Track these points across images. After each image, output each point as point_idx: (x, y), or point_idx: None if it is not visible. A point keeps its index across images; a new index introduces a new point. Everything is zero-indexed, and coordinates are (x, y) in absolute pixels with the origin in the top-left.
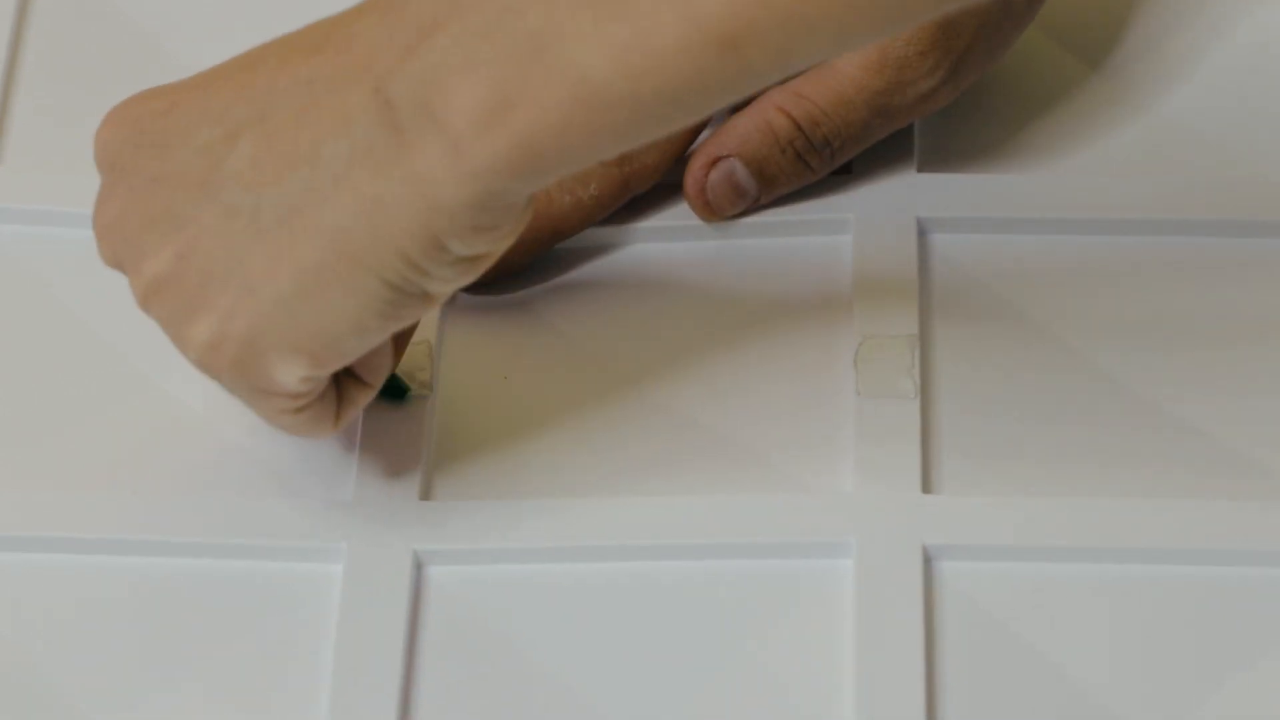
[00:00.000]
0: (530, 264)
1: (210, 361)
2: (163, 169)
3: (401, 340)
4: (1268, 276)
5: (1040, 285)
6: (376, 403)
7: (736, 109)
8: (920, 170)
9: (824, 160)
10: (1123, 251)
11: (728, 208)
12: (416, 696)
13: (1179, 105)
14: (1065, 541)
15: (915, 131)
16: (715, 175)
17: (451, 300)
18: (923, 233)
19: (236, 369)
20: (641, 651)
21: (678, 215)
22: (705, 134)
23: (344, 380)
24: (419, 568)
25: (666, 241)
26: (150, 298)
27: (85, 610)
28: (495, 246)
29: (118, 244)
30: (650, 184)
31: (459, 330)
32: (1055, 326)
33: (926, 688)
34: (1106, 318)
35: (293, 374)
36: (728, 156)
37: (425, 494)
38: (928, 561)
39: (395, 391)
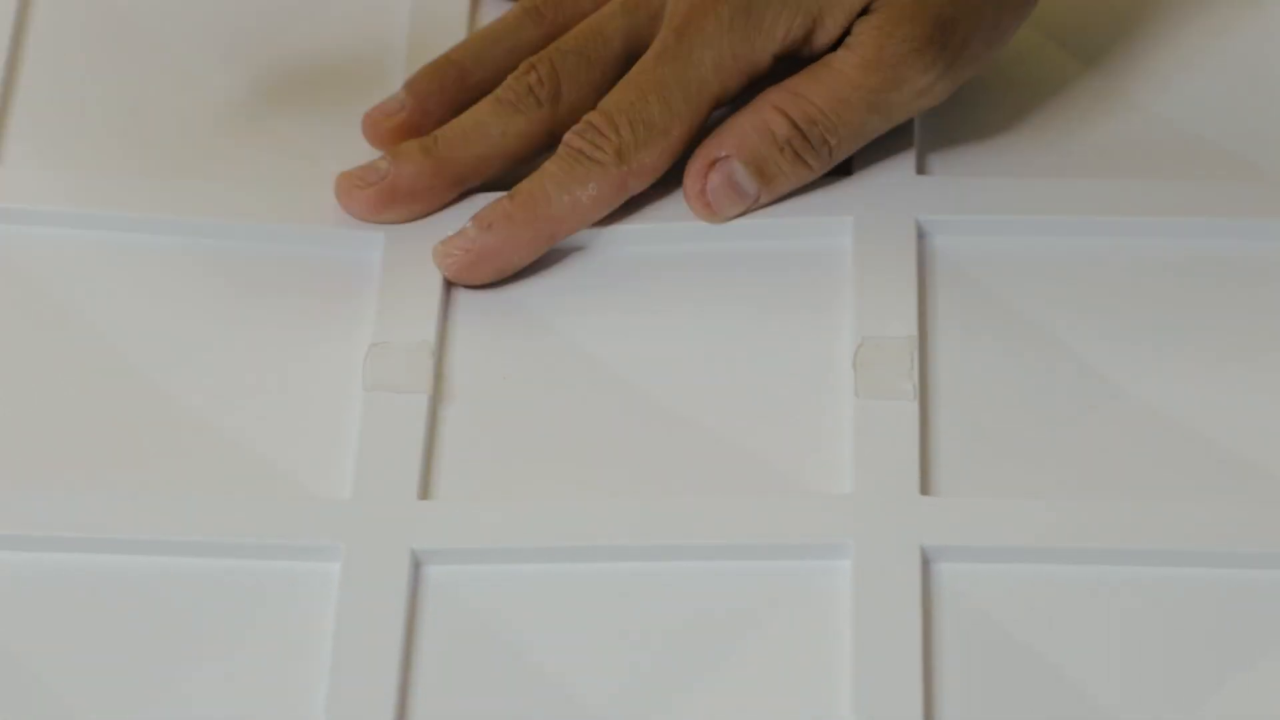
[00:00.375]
0: (529, 263)
1: None
2: None
3: None
4: (1269, 278)
5: (1040, 287)
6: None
7: (734, 109)
8: (920, 172)
9: (823, 159)
10: (1123, 253)
11: (729, 208)
12: (414, 695)
13: (1180, 107)
14: (1064, 543)
15: (915, 133)
16: (715, 176)
17: (451, 300)
18: (922, 234)
19: None
20: (640, 652)
21: (678, 215)
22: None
23: None
24: (417, 567)
25: (666, 243)
26: None
27: (83, 609)
28: None
29: None
30: (648, 183)
31: (459, 330)
32: (1054, 328)
33: (924, 689)
34: (1106, 320)
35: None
36: (727, 157)
37: (423, 493)
38: (926, 563)
39: None
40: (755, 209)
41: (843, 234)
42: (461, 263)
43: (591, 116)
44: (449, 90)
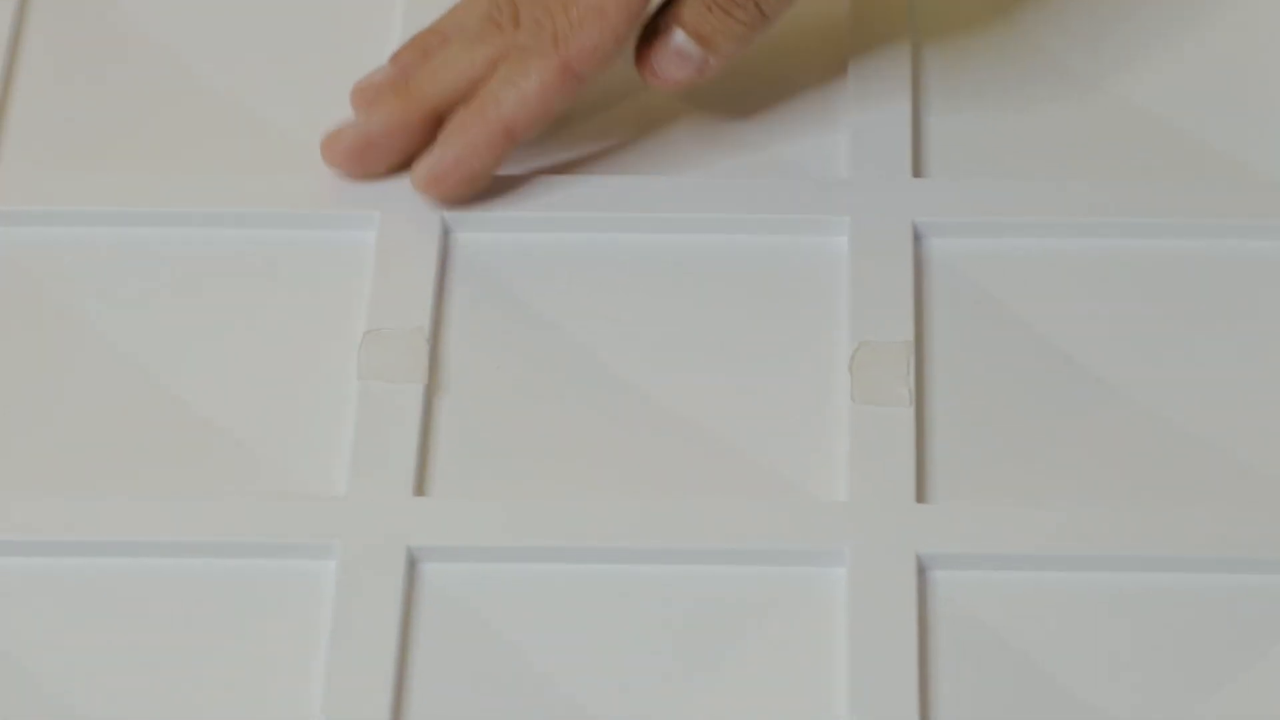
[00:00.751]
0: (492, 171)
1: None
2: None
3: None
4: (1267, 279)
5: (1037, 290)
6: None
7: None
8: (916, 175)
9: (750, 14)
10: (1120, 256)
11: (676, 73)
12: (410, 693)
13: (1178, 108)
14: (1060, 550)
15: (911, 135)
16: (658, 45)
17: (445, 288)
18: (919, 237)
19: None
20: (634, 654)
21: (676, 208)
22: None
23: None
24: (412, 565)
25: (664, 233)
26: None
27: (79, 611)
28: None
29: None
30: (596, 68)
31: (456, 325)
32: (1051, 332)
33: (920, 697)
34: (1103, 323)
35: None
36: (667, 26)
37: (419, 489)
38: (921, 570)
39: None
40: (710, 75)
41: (839, 236)
42: (428, 177)
43: (533, 10)
44: (432, 56)
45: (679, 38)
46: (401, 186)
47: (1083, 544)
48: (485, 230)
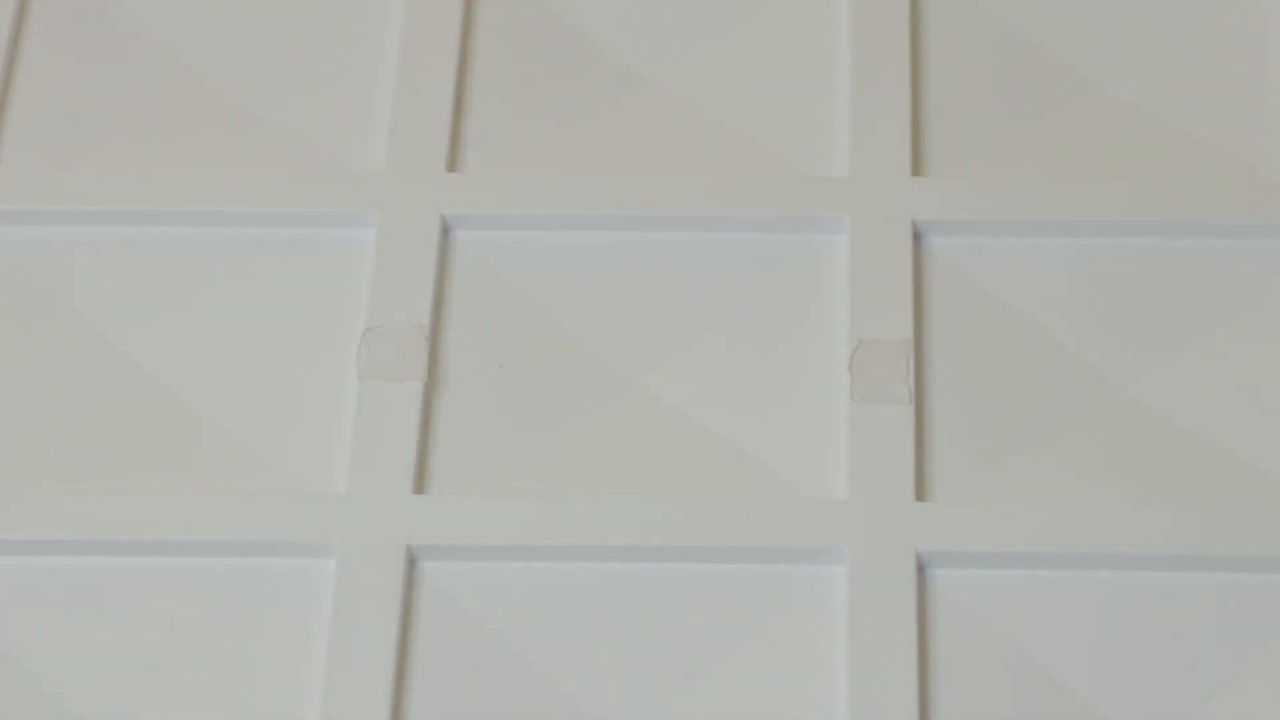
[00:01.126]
0: None
1: None
2: None
3: None
4: (1267, 279)
5: (1037, 289)
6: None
7: None
8: (916, 174)
9: None
10: (1119, 255)
11: None
12: (409, 692)
13: (1178, 109)
14: (1059, 548)
15: (911, 134)
16: None
17: (445, 285)
18: (918, 236)
19: None
20: (634, 653)
21: (678, 209)
22: None
23: None
24: (412, 563)
25: (664, 230)
26: None
27: (80, 610)
28: None
29: None
30: None
31: (456, 323)
32: (1051, 331)
33: (919, 694)
34: (1102, 322)
35: None
36: None
37: (419, 487)
38: (921, 568)
39: None
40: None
41: (839, 234)
42: None
43: None
44: None
45: None
46: (401, 186)
47: (1082, 543)
48: (485, 229)
